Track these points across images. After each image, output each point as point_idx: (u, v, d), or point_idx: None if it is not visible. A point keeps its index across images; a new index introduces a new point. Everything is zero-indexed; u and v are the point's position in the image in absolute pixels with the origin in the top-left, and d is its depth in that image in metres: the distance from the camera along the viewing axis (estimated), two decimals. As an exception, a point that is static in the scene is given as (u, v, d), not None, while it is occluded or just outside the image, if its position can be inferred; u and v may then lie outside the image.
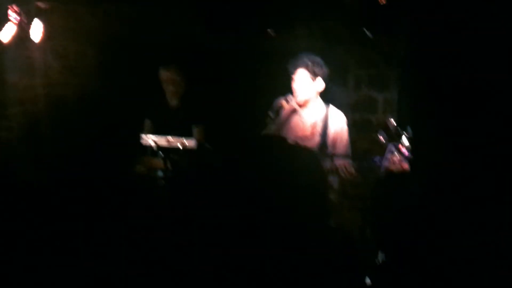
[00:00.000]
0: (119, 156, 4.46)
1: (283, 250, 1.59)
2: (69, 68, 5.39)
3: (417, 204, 1.89)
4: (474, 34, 1.90)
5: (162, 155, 3.97)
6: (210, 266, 1.63)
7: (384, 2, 3.97)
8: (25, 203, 2.25)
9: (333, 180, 3.89)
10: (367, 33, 4.16)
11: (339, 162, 3.81)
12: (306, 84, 3.89)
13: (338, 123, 3.97)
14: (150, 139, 4.05)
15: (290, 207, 1.65)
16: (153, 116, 4.58)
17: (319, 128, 3.95)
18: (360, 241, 2.73)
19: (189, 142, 4.01)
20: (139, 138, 4.11)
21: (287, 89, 3.95)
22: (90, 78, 5.33)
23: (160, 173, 3.96)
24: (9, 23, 4.41)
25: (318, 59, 3.91)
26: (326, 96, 4.06)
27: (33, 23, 4.59)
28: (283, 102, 3.90)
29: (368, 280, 1.89)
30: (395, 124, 3.49)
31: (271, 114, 3.86)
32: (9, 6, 4.38)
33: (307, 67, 3.87)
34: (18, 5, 4.45)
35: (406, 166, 3.27)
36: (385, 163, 3.40)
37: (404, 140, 3.39)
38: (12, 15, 4.40)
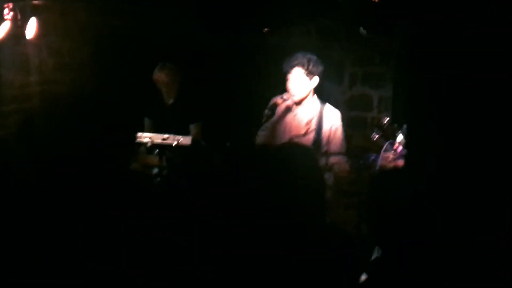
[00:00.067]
0: (115, 154, 4.46)
1: (280, 249, 1.60)
2: (65, 65, 5.37)
3: (412, 202, 1.89)
4: (472, 32, 1.90)
5: (158, 153, 3.98)
6: (206, 264, 1.64)
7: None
8: (23, 201, 2.25)
9: (328, 178, 3.90)
10: (363, 30, 4.16)
11: (334, 160, 3.82)
12: (301, 82, 3.90)
13: (333, 121, 3.98)
14: (145, 137, 4.05)
15: (285, 204, 1.66)
16: (150, 114, 4.60)
17: (314, 125, 3.96)
18: (355, 238, 2.74)
19: (185, 140, 4.01)
20: (135, 135, 4.11)
21: (284, 88, 3.96)
22: (86, 75, 5.32)
23: (155, 171, 3.97)
24: (4, 21, 4.39)
25: (314, 57, 3.92)
26: (322, 94, 4.07)
27: (29, 20, 4.58)
28: (279, 100, 3.91)
29: (364, 277, 1.90)
30: (390, 122, 3.51)
31: (267, 112, 3.87)
32: (5, 5, 4.37)
33: (302, 66, 3.87)
34: (13, 2, 4.43)
35: (401, 163, 3.28)
36: (380, 161, 3.41)
37: (399, 137, 3.41)
38: (7, 12, 4.38)
